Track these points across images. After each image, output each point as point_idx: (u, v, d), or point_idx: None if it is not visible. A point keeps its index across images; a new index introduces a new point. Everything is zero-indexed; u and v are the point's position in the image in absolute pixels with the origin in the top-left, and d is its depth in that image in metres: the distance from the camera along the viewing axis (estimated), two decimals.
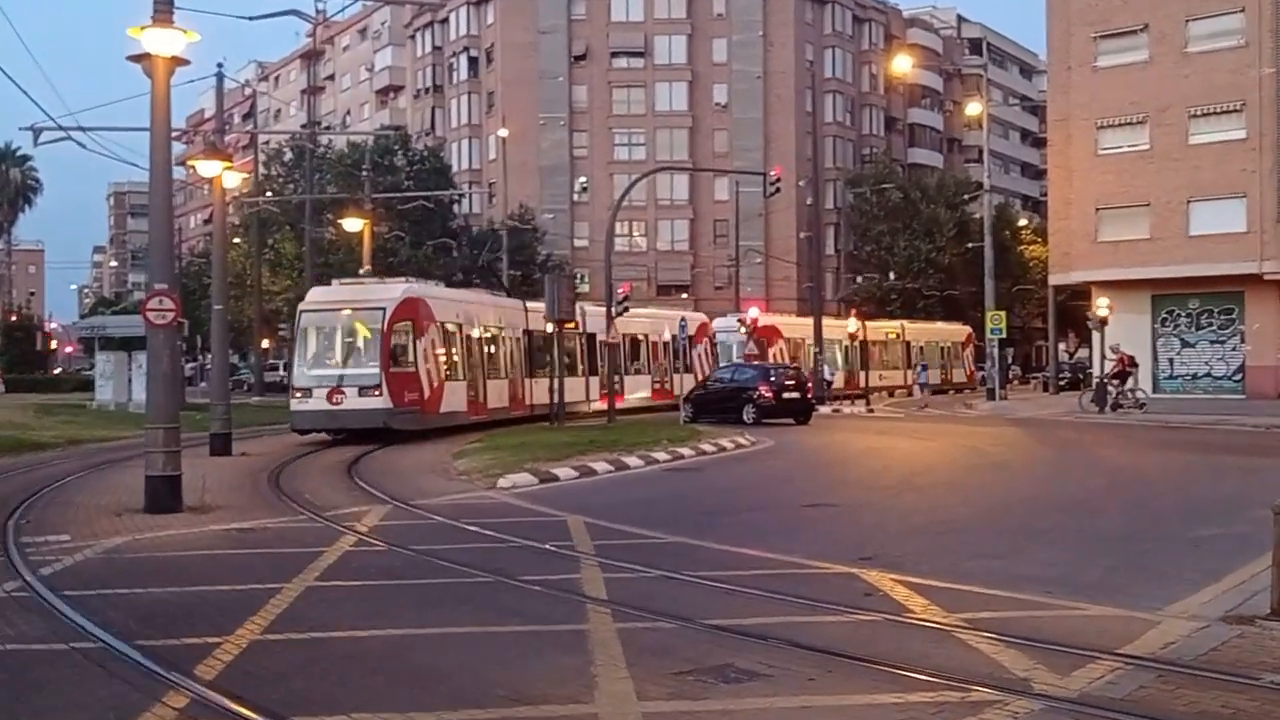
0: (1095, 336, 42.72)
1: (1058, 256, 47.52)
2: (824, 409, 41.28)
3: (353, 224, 41.50)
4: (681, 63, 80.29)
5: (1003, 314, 47.72)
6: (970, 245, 70.97)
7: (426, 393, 28.66)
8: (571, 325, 33.71)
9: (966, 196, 73.01)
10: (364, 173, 50.51)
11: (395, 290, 28.99)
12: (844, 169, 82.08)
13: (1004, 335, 47.68)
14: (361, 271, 36.76)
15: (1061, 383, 57.69)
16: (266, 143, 70.87)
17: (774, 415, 33.56)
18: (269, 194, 62.86)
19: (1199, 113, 43.03)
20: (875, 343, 58.86)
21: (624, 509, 15.35)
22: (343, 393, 27.52)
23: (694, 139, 79.74)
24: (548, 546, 12.22)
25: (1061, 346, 65.42)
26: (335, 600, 9.70)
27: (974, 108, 56.65)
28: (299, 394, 27.82)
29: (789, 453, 24.56)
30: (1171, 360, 44.91)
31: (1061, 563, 11.11)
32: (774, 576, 10.34)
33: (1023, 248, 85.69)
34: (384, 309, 27.96)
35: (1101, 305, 41.64)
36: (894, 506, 15.54)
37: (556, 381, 31.83)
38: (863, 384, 50.72)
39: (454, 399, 30.16)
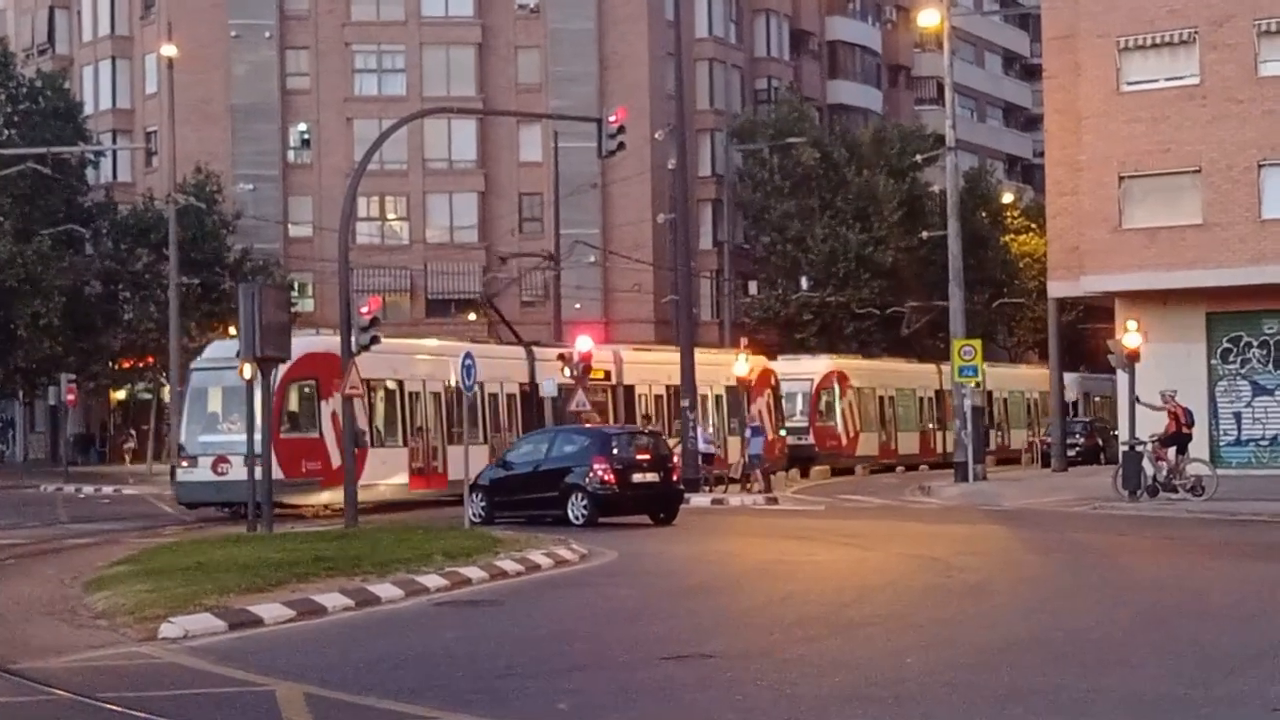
0: (1120, 378, 43.90)
1: (1061, 253, 48.75)
2: (698, 499, 41.54)
3: None
4: None
5: (977, 343, 48.76)
6: (926, 235, 72.66)
7: (335, 462, 37.01)
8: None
9: (920, 158, 74.69)
10: None
11: (298, 344, 35.15)
12: (727, 113, 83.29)
13: (979, 376, 48.73)
14: None
15: (1072, 452, 59.20)
16: None
17: (618, 510, 33.63)
18: None
19: (1275, 26, 44.73)
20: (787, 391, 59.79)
21: (371, 671, 15.16)
22: (228, 461, 36.94)
23: (485, 63, 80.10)
24: None
25: (1070, 391, 67.16)
26: None
27: (930, 16, 57.99)
28: (185, 463, 37.92)
29: (641, 573, 24.61)
30: (1238, 415, 46.40)
31: None
32: None
33: (1008, 238, 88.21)
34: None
35: (1129, 330, 42.75)
36: (807, 658, 15.66)
37: (263, 464, 31.35)
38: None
39: (384, 468, 41.07)
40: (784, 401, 58.91)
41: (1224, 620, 18.28)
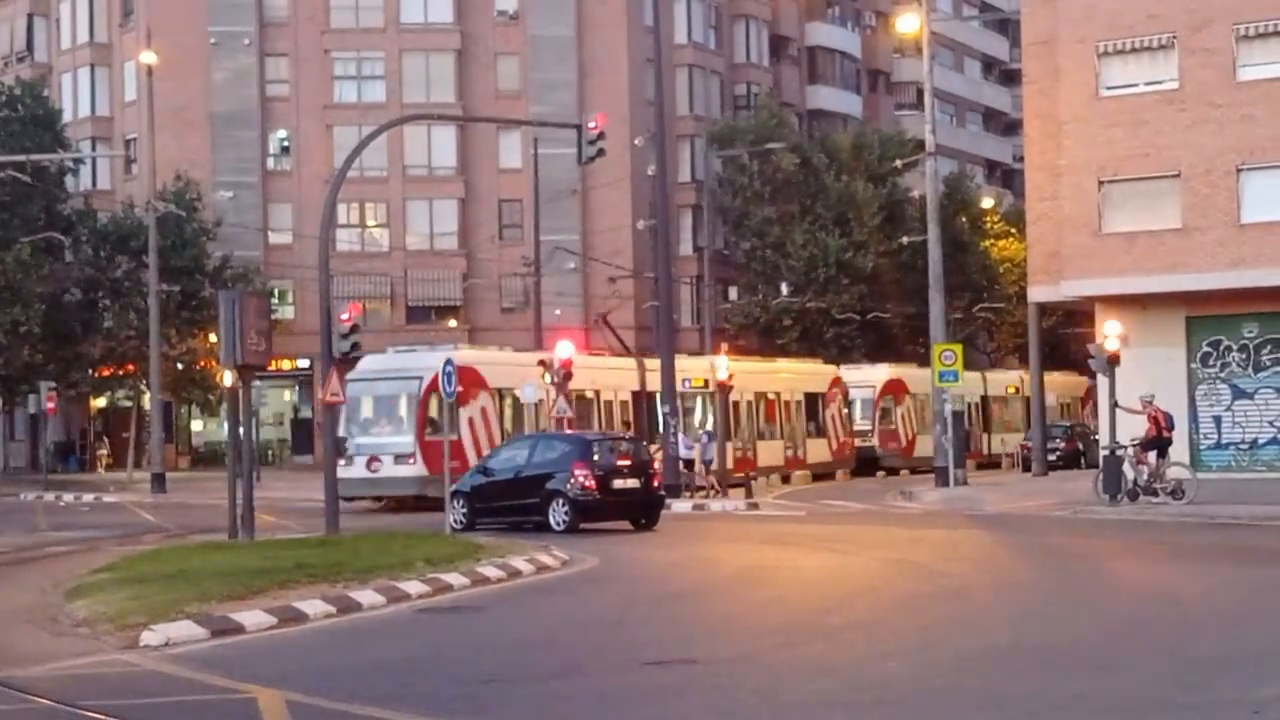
0: (1101, 382, 44.01)
1: (1042, 257, 48.83)
2: (680, 504, 41.57)
3: None
4: None
5: (958, 348, 48.88)
6: (907, 240, 72.75)
7: (471, 461, 42.01)
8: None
9: (900, 163, 74.83)
10: None
11: (434, 359, 43.01)
12: (706, 119, 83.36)
13: (959, 380, 48.80)
14: None
15: (1052, 456, 59.30)
16: None
17: (599, 516, 33.67)
18: None
19: (1254, 31, 44.88)
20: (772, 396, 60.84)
21: (352, 677, 15.15)
22: (379, 460, 43.75)
23: (464, 70, 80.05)
24: None
25: (1051, 398, 67.31)
26: None
27: (909, 21, 58.10)
28: (344, 462, 41.47)
29: (623, 579, 24.63)
30: (1218, 419, 46.46)
31: None
32: None
33: (988, 243, 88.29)
34: (420, 379, 44.04)
35: (1110, 334, 42.87)
36: (789, 663, 15.68)
37: (243, 472, 31.31)
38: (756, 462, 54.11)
39: None
40: (851, 408, 64.97)
41: (1205, 624, 18.34)
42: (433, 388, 41.92)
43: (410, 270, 79.31)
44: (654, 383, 50.54)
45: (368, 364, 44.82)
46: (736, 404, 56.64)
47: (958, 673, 15.05)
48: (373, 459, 44.11)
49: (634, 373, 53.99)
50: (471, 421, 45.99)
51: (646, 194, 71.90)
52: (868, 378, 67.36)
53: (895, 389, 67.09)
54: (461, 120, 78.51)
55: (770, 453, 58.66)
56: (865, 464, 64.51)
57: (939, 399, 49.57)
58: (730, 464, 51.54)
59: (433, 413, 44.01)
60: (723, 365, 51.39)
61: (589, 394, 50.92)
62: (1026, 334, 60.35)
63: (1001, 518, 37.25)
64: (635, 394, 53.45)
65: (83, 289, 71.67)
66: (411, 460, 44.13)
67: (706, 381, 55.47)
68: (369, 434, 45.21)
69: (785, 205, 78.27)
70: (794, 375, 62.73)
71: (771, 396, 59.37)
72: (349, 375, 42.51)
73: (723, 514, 41.21)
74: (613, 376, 53.15)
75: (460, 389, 39.93)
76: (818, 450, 61.87)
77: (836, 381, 63.29)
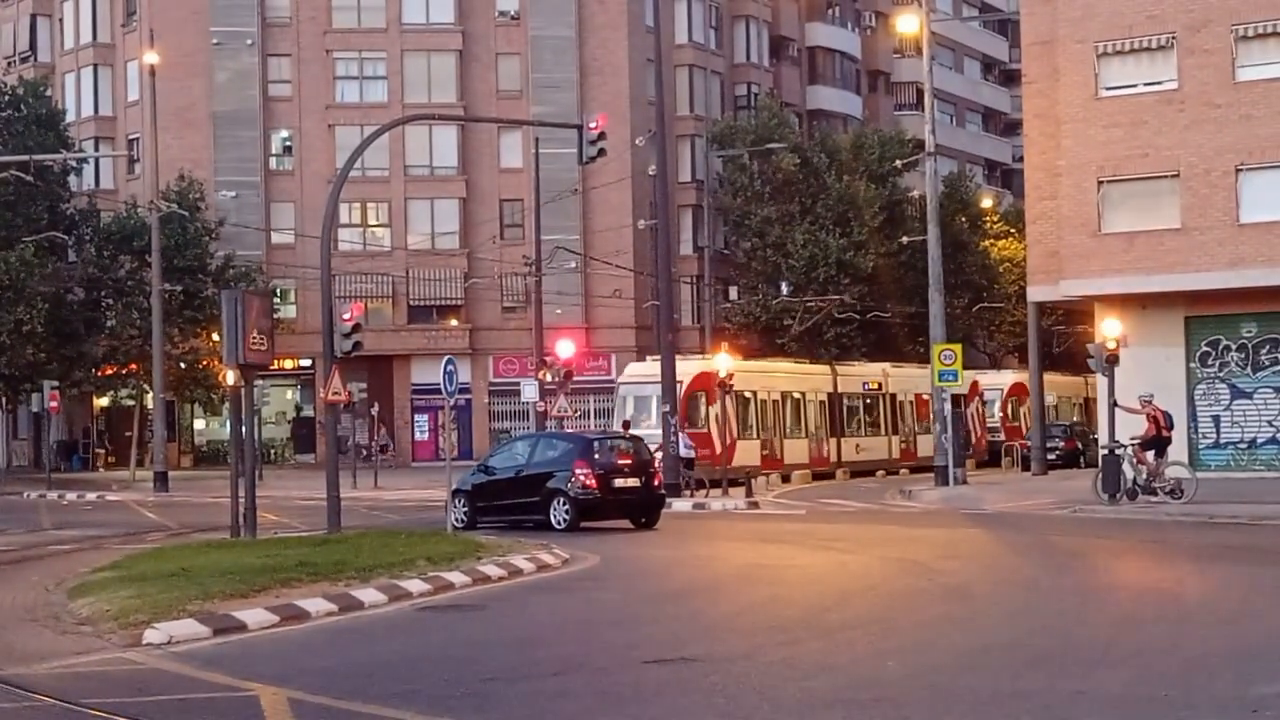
0: (1100, 382, 44.04)
1: (1041, 257, 48.85)
2: (680, 503, 41.58)
3: None
4: None
5: (957, 347, 48.88)
6: (907, 240, 72.80)
7: (718, 449, 52.93)
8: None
9: (900, 163, 74.84)
10: None
11: (692, 367, 55.39)
12: (707, 119, 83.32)
13: (959, 380, 48.80)
14: None
15: (1052, 455, 59.31)
16: None
17: (600, 515, 33.70)
18: None
19: (1253, 31, 44.91)
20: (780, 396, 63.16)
21: (354, 676, 15.16)
22: None
23: (466, 70, 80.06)
24: None
25: (1050, 396, 67.34)
26: None
27: (909, 22, 58.17)
28: None
29: (624, 577, 24.64)
30: (1217, 419, 46.52)
31: None
32: None
33: (988, 243, 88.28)
34: (680, 382, 50.59)
35: (1109, 333, 42.87)
36: (789, 661, 15.69)
37: (245, 470, 31.32)
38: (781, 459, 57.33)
39: (748, 455, 56.49)
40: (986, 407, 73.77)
41: (1203, 622, 18.35)
42: (691, 389, 54.40)
43: (412, 270, 79.25)
44: (843, 385, 65.48)
45: (633, 369, 58.11)
46: (902, 403, 68.56)
47: (956, 671, 15.08)
48: None
49: (828, 377, 65.32)
50: (715, 417, 54.97)
51: (647, 194, 71.83)
52: (996, 381, 75.07)
53: (1018, 390, 72.61)
54: (463, 120, 78.46)
55: (926, 445, 64.16)
56: (995, 457, 69.50)
57: (939, 398, 49.59)
58: (897, 454, 67.21)
59: (690, 409, 54.62)
60: (724, 363, 51.85)
61: (795, 395, 62.29)
62: (1025, 333, 60.34)
63: (1001, 516, 37.25)
64: (830, 395, 64.54)
65: (86, 288, 71.63)
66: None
67: (880, 384, 67.45)
68: (638, 427, 49.16)
69: (785, 205, 78.17)
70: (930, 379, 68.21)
71: (926, 398, 64.36)
72: (619, 379, 58.05)
73: (723, 513, 41.21)
74: (810, 381, 64.15)
75: (705, 390, 55.09)
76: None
77: (975, 385, 70.07)
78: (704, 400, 55.64)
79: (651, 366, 54.94)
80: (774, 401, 61.01)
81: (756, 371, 60.77)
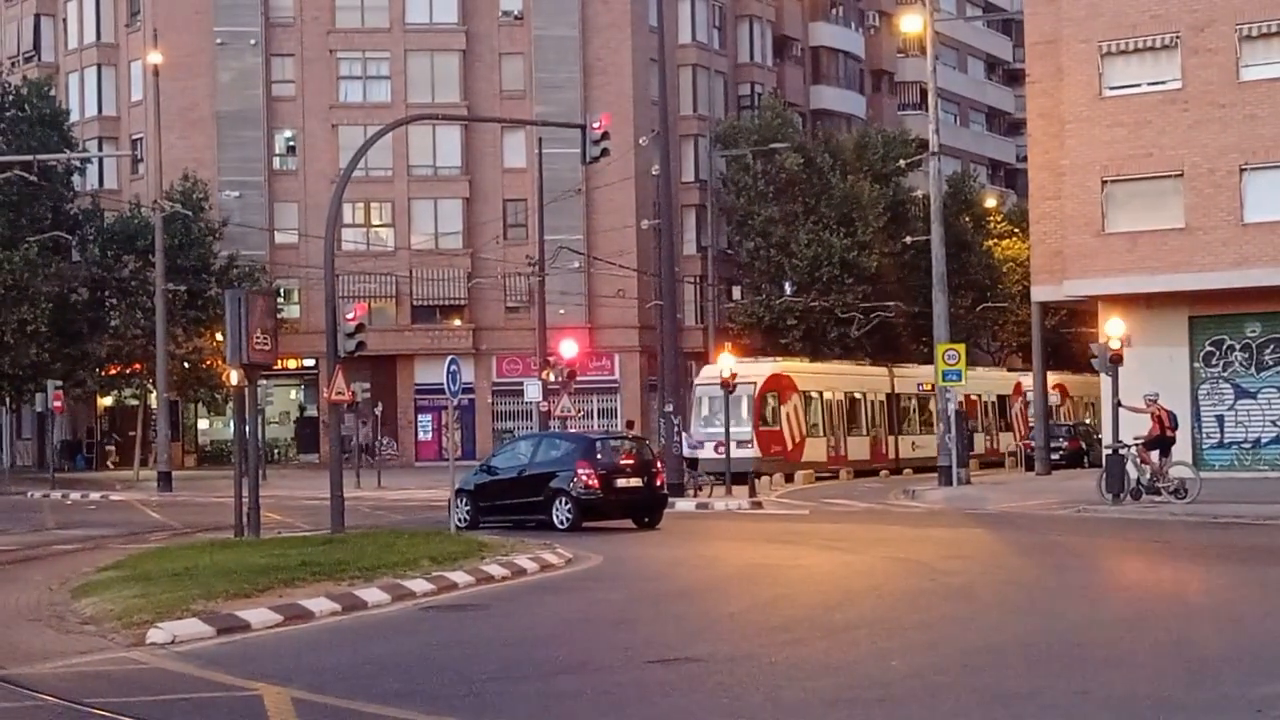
0: (1105, 382, 43.99)
1: (1044, 257, 48.86)
2: (683, 503, 41.57)
3: None
4: None
5: (960, 347, 48.85)
6: (910, 240, 72.85)
7: (789, 445, 59.42)
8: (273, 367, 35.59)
9: (903, 163, 74.88)
10: None
11: (764, 369, 60.07)
12: (710, 119, 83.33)
13: (963, 380, 48.79)
14: None
15: (1055, 455, 59.26)
16: None
17: (603, 515, 33.68)
18: None
19: (1256, 30, 44.89)
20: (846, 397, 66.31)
21: (358, 676, 15.16)
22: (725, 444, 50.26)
23: (470, 70, 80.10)
24: None
25: (1054, 398, 67.35)
26: None
27: (913, 21, 58.11)
28: (698, 444, 53.55)
29: (627, 576, 24.63)
30: (1221, 418, 46.51)
31: None
32: None
33: (992, 243, 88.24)
34: (755, 383, 57.76)
35: (1113, 333, 42.80)
36: (792, 661, 15.68)
37: (249, 470, 31.31)
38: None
39: (815, 451, 61.72)
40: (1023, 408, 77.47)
41: (1207, 622, 18.33)
42: (764, 389, 58.87)
43: (415, 269, 79.30)
44: (900, 386, 68.57)
45: (708, 371, 59.87)
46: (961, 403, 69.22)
47: (961, 670, 15.07)
48: (720, 444, 51.34)
49: (886, 379, 68.55)
50: (788, 415, 60.04)
51: (650, 193, 71.91)
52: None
53: (1061, 390, 73.95)
54: (466, 120, 78.50)
55: (977, 443, 68.66)
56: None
57: (942, 398, 49.57)
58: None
59: (764, 409, 59.07)
60: (727, 362, 51.72)
61: (856, 395, 65.80)
62: (1029, 333, 60.35)
63: (1004, 516, 37.21)
64: (888, 395, 68.03)
65: (89, 288, 71.70)
66: (750, 444, 56.54)
67: (933, 385, 67.40)
68: (714, 425, 54.84)
69: (789, 205, 78.21)
70: (988, 381, 74.62)
71: (975, 398, 70.07)
72: (696, 380, 61.57)
73: (726, 513, 41.18)
74: (870, 382, 67.24)
75: (777, 390, 59.74)
76: (1007, 440, 73.15)
77: (1019, 387, 73.83)
78: (776, 399, 59.84)
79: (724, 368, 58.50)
80: (838, 401, 64.63)
81: (822, 373, 65.37)
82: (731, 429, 49.53)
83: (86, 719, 13.41)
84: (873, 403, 67.07)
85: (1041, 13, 48.66)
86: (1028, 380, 73.81)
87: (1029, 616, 19.21)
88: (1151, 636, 17.22)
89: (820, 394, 64.35)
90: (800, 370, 63.59)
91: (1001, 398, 75.85)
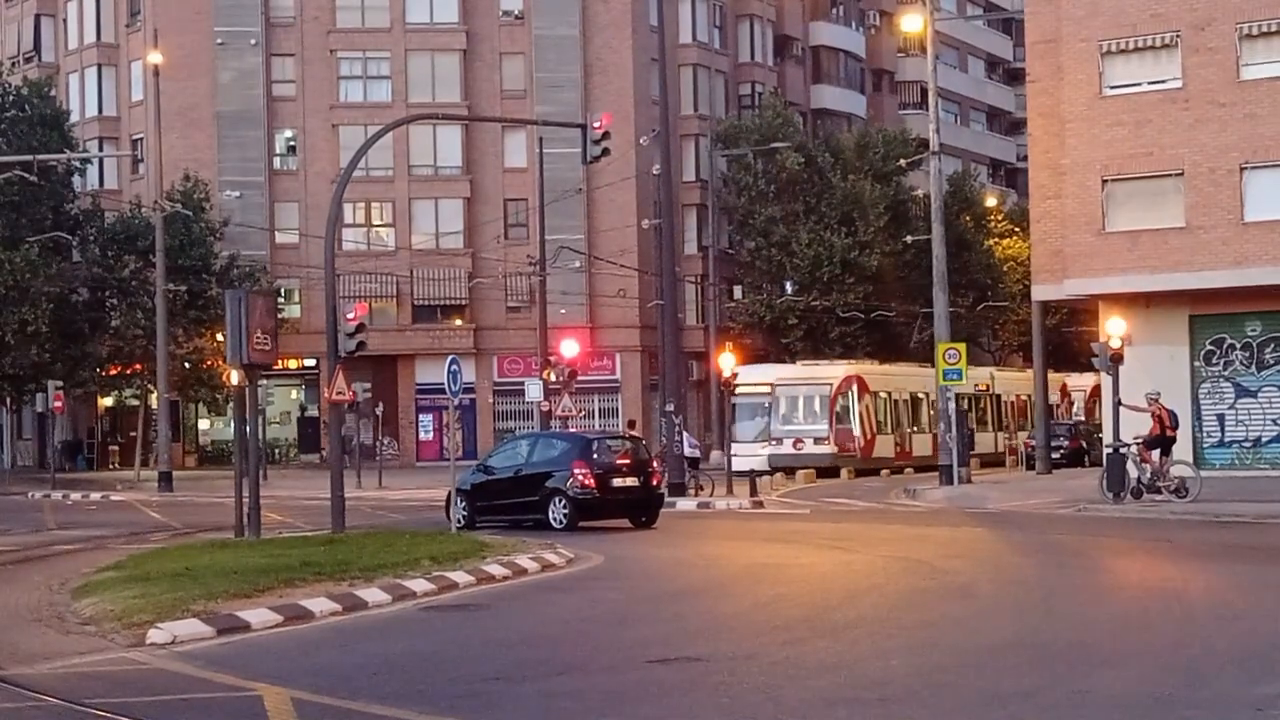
0: (1105, 381, 44.01)
1: (1045, 256, 48.86)
2: (684, 502, 41.57)
3: None
4: None
5: (961, 346, 48.85)
6: (911, 239, 72.86)
7: (862, 443, 63.48)
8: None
9: (904, 162, 74.89)
10: None
11: (839, 370, 64.88)
12: (711, 118, 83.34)
13: (963, 379, 48.79)
14: None
15: (1056, 454, 59.25)
16: None
17: (599, 514, 33.72)
18: None
19: (1257, 29, 44.88)
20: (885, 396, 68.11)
21: (357, 676, 15.17)
22: (803, 442, 60.17)
23: (470, 70, 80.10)
24: None
25: (1055, 398, 67.46)
26: None
27: (913, 21, 58.10)
28: (774, 443, 60.97)
29: (627, 576, 24.62)
30: (1221, 417, 46.51)
31: None
32: None
33: (992, 242, 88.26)
34: (830, 384, 62.96)
35: (1113, 332, 42.80)
36: (793, 661, 15.67)
37: (250, 470, 31.30)
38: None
39: (884, 448, 65.41)
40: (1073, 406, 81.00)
41: (1208, 621, 18.33)
42: (839, 389, 63.09)
43: (416, 269, 79.32)
44: (958, 387, 67.78)
45: (783, 372, 65.28)
46: (1007, 403, 76.68)
47: (961, 669, 15.07)
48: (797, 440, 59.87)
49: (931, 379, 69.20)
50: (861, 414, 64.05)
51: (651, 193, 71.94)
52: (1079, 383, 78.93)
53: (1099, 393, 73.50)
54: (467, 120, 78.53)
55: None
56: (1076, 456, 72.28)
57: (943, 397, 49.57)
58: (1001, 447, 71.67)
59: (839, 408, 63.08)
60: (728, 362, 51.70)
61: (919, 395, 67.47)
62: (1030, 332, 60.38)
63: (1005, 515, 37.22)
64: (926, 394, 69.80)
65: (90, 288, 71.73)
66: (826, 441, 61.77)
67: (988, 386, 74.16)
68: (791, 423, 61.43)
69: (790, 204, 78.25)
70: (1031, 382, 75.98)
71: (1025, 398, 72.83)
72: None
73: (727, 512, 41.18)
74: (916, 383, 68.12)
75: (853, 390, 63.62)
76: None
77: (1064, 387, 78.16)
78: (849, 399, 63.75)
79: (799, 370, 65.63)
80: (904, 401, 68.12)
81: (889, 375, 68.85)
82: (808, 427, 57.19)
83: (86, 719, 13.39)
84: (934, 401, 67.06)
85: (1042, 12, 48.65)
86: (1073, 380, 79.41)
87: (1029, 616, 19.21)
88: (1152, 635, 17.24)
89: (889, 394, 67.52)
90: (870, 371, 67.32)
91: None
